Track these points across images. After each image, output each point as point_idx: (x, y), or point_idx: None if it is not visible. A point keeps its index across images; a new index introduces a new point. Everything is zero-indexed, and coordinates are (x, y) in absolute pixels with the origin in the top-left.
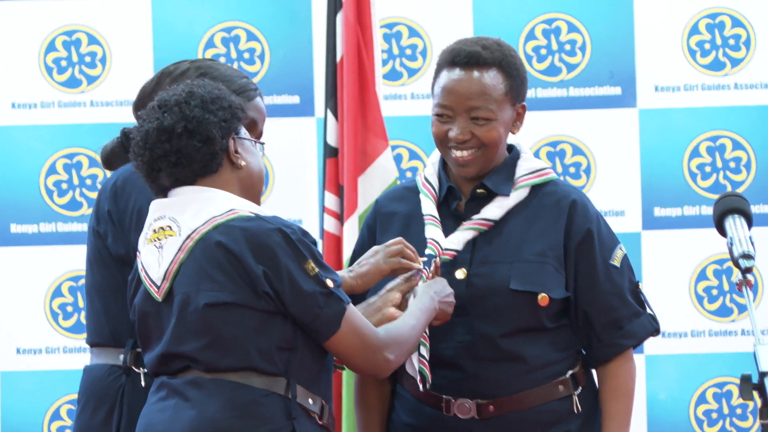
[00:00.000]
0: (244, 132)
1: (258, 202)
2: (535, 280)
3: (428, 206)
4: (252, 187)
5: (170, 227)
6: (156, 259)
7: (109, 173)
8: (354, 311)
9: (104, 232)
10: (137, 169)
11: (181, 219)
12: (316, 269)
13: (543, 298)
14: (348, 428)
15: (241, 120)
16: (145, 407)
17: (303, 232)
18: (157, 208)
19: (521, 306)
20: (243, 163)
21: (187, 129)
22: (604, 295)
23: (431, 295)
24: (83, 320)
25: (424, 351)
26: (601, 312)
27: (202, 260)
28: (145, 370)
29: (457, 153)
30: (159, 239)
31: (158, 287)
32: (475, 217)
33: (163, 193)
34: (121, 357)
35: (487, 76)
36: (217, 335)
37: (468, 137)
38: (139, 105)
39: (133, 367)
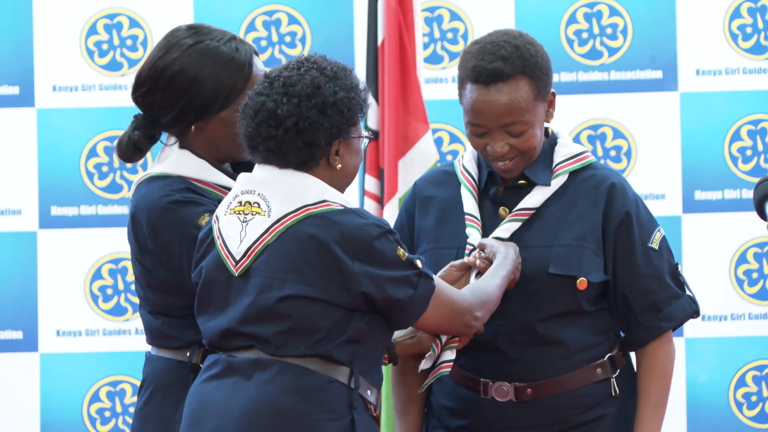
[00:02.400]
0: (358, 129)
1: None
2: (574, 264)
3: (469, 203)
4: (341, 185)
5: (258, 204)
6: (238, 233)
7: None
8: (440, 282)
9: (152, 266)
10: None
11: (272, 200)
12: (406, 253)
13: (581, 282)
14: (384, 413)
15: (356, 123)
16: (196, 384)
17: (386, 222)
18: (245, 180)
19: (560, 290)
20: (339, 166)
21: (297, 126)
22: (642, 278)
23: (513, 257)
24: (123, 303)
25: (450, 355)
26: (640, 295)
27: (292, 250)
28: None
29: (499, 164)
30: (244, 213)
31: (236, 262)
32: (517, 208)
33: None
34: (187, 354)
35: (513, 88)
36: (295, 324)
37: (506, 150)
38: (145, 73)
39: (200, 365)
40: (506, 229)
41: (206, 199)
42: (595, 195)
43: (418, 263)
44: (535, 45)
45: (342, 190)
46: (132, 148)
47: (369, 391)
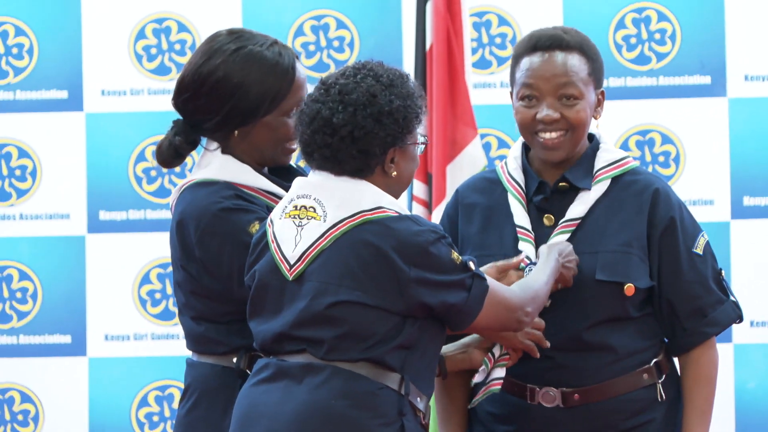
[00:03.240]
0: (414, 136)
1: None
2: (621, 270)
3: (520, 215)
4: (396, 192)
5: (314, 209)
6: (293, 237)
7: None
8: (492, 282)
9: (197, 274)
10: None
11: (328, 205)
12: (459, 257)
13: (629, 288)
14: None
15: (412, 130)
16: (245, 388)
17: (440, 227)
18: (301, 185)
19: (607, 296)
20: (395, 173)
21: (352, 135)
22: (687, 284)
23: (556, 256)
24: (171, 307)
25: (501, 372)
26: (685, 300)
27: (349, 255)
28: None
29: (546, 135)
30: (300, 217)
31: (291, 266)
32: (564, 220)
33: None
34: (234, 360)
35: (570, 57)
36: (350, 330)
37: (558, 116)
38: (188, 79)
39: (247, 370)
40: (555, 241)
41: (254, 205)
42: (639, 201)
43: (471, 265)
44: (593, 43)
45: (397, 196)
46: (173, 154)
47: (419, 399)
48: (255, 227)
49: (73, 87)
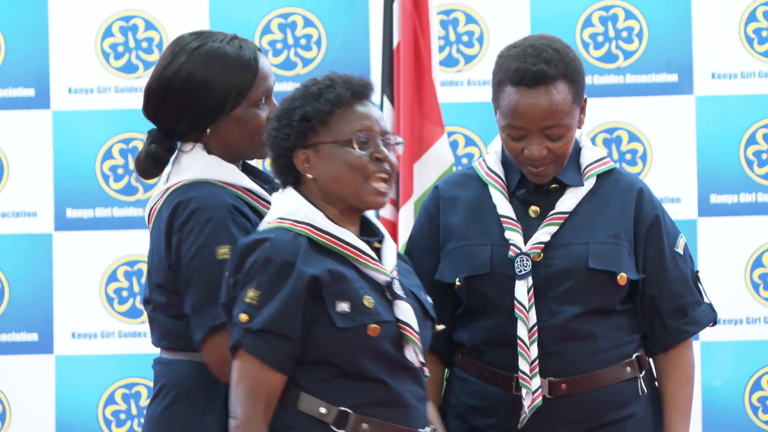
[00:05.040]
0: (323, 136)
1: (349, 202)
2: (613, 260)
3: (503, 205)
4: (331, 192)
5: None
6: None
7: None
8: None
9: (175, 265)
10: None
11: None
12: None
13: (622, 277)
14: None
15: (313, 129)
16: None
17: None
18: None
19: (599, 285)
20: (310, 176)
21: (269, 145)
22: (671, 281)
23: None
24: (138, 305)
25: (538, 382)
26: (668, 298)
27: None
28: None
29: (533, 168)
30: None
31: None
32: (554, 212)
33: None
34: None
35: (555, 91)
36: None
37: (545, 154)
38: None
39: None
40: (546, 232)
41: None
42: (624, 198)
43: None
44: (572, 50)
45: (344, 198)
46: (151, 163)
47: (322, 409)
48: (224, 250)
49: (40, 85)
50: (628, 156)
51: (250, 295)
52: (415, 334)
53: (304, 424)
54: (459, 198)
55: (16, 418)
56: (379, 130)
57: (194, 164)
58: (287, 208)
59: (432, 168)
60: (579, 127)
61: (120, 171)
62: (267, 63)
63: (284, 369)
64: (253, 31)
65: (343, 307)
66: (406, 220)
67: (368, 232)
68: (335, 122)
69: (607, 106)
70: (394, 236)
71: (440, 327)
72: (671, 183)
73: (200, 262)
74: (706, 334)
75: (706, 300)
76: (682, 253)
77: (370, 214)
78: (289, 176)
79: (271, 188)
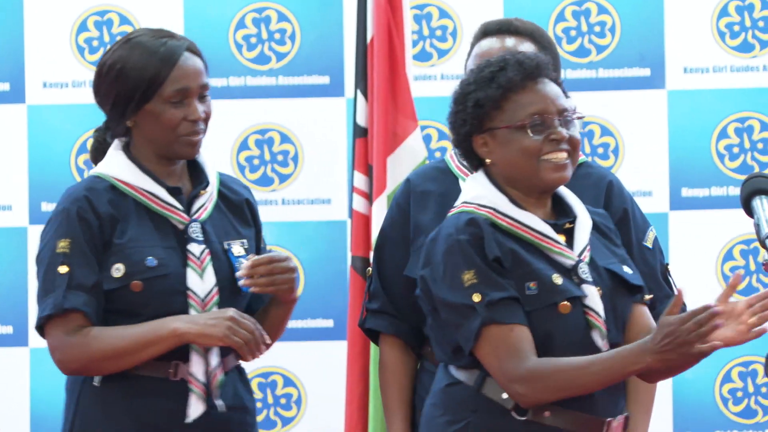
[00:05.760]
0: (497, 121)
1: (530, 184)
2: None
3: None
4: (511, 176)
5: None
6: None
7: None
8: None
9: None
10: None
11: None
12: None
13: None
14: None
15: (487, 115)
16: None
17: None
18: None
19: None
20: (489, 160)
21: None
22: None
23: (639, 348)
24: None
25: None
26: None
27: None
28: None
29: None
30: None
31: None
32: None
33: None
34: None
35: (518, 41)
36: None
37: None
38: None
39: None
40: None
41: (126, 199)
42: (594, 191)
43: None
44: (549, 36)
45: (519, 181)
46: (93, 151)
47: None
48: (63, 244)
49: (15, 79)
50: (600, 150)
51: (467, 276)
52: (600, 319)
53: (486, 409)
54: (430, 192)
55: None
56: (555, 109)
57: (106, 159)
58: (474, 192)
59: (405, 162)
60: None
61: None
62: (193, 62)
63: (527, 324)
64: (227, 26)
65: (532, 288)
66: (380, 213)
67: (562, 211)
68: (508, 106)
69: (580, 101)
70: (368, 230)
71: (648, 297)
72: (643, 177)
73: (42, 253)
74: None
75: (676, 293)
76: (651, 246)
77: (567, 191)
78: (473, 160)
79: (197, 191)
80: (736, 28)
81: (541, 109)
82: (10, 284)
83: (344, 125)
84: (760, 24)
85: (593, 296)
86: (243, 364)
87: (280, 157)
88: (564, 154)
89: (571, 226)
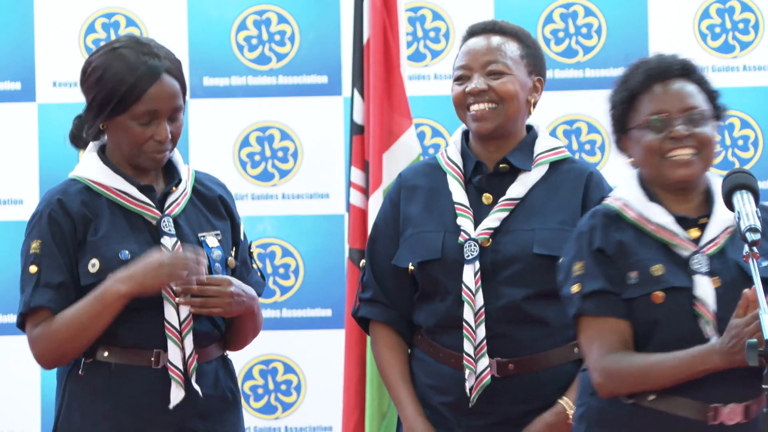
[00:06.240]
0: (632, 121)
1: (660, 182)
2: (557, 245)
3: (458, 192)
4: (645, 174)
5: None
6: None
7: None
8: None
9: None
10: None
11: None
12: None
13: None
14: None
15: (624, 115)
16: None
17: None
18: None
19: (544, 270)
20: (629, 159)
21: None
22: None
23: (710, 347)
24: None
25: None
26: None
27: None
28: (87, 359)
29: (475, 107)
30: None
31: None
32: (504, 198)
33: None
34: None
35: (502, 39)
36: None
37: (484, 88)
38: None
39: (82, 358)
40: (496, 218)
41: (100, 199)
42: (574, 184)
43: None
44: (534, 37)
45: (652, 179)
46: (72, 135)
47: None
48: (35, 245)
49: (26, 79)
50: (587, 146)
51: (577, 267)
52: (707, 310)
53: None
54: (419, 186)
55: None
56: (677, 108)
57: (82, 162)
58: (619, 187)
59: (401, 158)
60: (530, 101)
61: None
62: (169, 85)
63: (624, 316)
64: (229, 28)
65: (633, 278)
66: (376, 207)
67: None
68: (637, 108)
69: (568, 99)
70: (364, 223)
71: None
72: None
73: (22, 253)
74: None
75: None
76: None
77: (717, 188)
78: (628, 157)
79: (169, 188)
80: (717, 29)
81: (661, 109)
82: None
83: (342, 123)
84: (740, 26)
85: (703, 287)
86: (240, 353)
87: (280, 154)
88: (687, 151)
89: (707, 220)
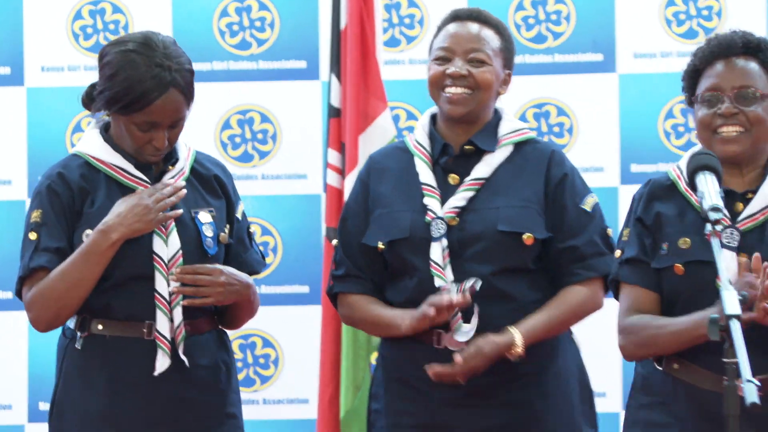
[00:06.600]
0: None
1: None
2: (521, 222)
3: (425, 173)
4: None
5: None
6: None
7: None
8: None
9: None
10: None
11: None
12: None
13: (528, 237)
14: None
15: (692, 90)
16: None
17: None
18: None
19: (508, 246)
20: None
21: None
22: (574, 234)
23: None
24: None
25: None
26: (570, 248)
27: None
28: (83, 333)
29: (452, 90)
30: None
31: None
32: (470, 178)
33: None
34: (75, 319)
35: (485, 29)
36: None
37: (465, 73)
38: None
39: (78, 332)
40: (462, 197)
41: (98, 174)
42: (538, 162)
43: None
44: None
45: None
46: (85, 98)
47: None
48: (35, 214)
49: (15, 64)
50: (556, 129)
51: (625, 232)
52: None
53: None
54: (388, 168)
55: None
56: (730, 85)
57: (84, 139)
58: (686, 155)
59: (376, 140)
60: (500, 93)
61: None
62: (174, 100)
63: (654, 286)
64: (212, 15)
65: (664, 249)
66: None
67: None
68: (701, 80)
69: (538, 83)
70: (341, 203)
71: None
72: (595, 154)
73: (25, 224)
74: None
75: (615, 254)
76: (590, 210)
77: None
78: None
79: (166, 166)
80: (682, 16)
81: (715, 85)
82: (9, 254)
83: (319, 106)
84: (704, 13)
85: (728, 261)
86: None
87: (260, 136)
88: (733, 128)
89: (752, 196)
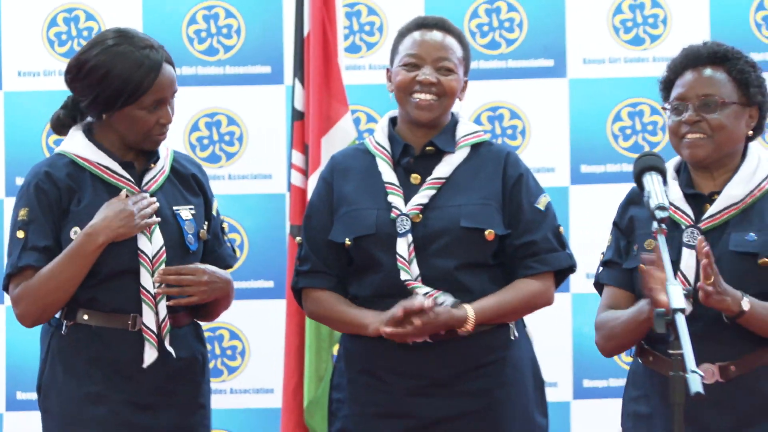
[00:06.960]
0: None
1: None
2: (482, 219)
3: (388, 173)
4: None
5: None
6: None
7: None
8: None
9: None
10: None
11: None
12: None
13: (490, 233)
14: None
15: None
16: None
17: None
18: None
19: (470, 241)
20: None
21: None
22: (528, 231)
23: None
24: None
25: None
26: (525, 244)
27: None
28: (69, 322)
29: (421, 96)
30: None
31: None
32: (431, 177)
33: None
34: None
35: (449, 38)
36: None
37: (434, 81)
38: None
39: (65, 320)
40: (425, 195)
41: (84, 174)
42: (494, 163)
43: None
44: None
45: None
46: (56, 123)
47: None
48: (23, 212)
49: None
50: (510, 131)
51: (609, 238)
52: (684, 280)
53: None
54: (351, 168)
55: None
56: (695, 94)
57: (68, 139)
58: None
59: (338, 142)
60: (460, 99)
61: None
62: (170, 74)
63: (627, 286)
64: (181, 22)
65: (635, 251)
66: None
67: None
68: (672, 89)
69: (492, 88)
70: (304, 202)
71: (763, 260)
72: (547, 155)
73: (11, 222)
74: (577, 287)
75: (567, 251)
76: (543, 209)
77: (746, 168)
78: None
79: (147, 165)
80: (629, 24)
81: (681, 95)
82: None
83: (284, 109)
84: (650, 21)
85: (686, 260)
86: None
87: (227, 138)
88: (697, 135)
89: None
